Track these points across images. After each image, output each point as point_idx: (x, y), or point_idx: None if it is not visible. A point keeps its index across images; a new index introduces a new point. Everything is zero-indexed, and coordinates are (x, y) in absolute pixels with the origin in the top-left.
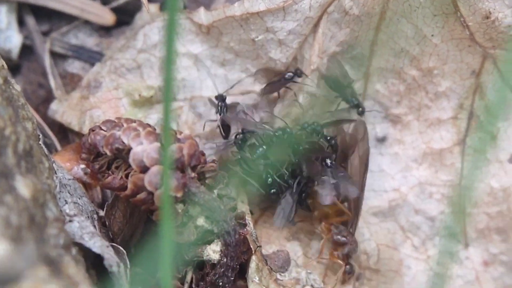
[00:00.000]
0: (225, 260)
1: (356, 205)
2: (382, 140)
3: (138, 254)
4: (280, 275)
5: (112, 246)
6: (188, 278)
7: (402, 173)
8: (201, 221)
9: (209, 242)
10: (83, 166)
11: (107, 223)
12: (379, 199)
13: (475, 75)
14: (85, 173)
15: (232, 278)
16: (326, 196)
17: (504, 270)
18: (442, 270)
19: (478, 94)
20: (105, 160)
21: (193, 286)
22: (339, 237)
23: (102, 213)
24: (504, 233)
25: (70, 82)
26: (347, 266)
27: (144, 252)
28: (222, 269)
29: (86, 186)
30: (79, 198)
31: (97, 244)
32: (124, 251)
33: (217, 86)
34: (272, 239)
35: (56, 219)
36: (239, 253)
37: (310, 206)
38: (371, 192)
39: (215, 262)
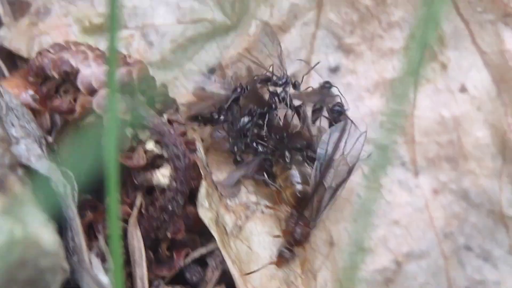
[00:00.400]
0: (174, 184)
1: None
2: (334, 70)
3: (88, 180)
4: (230, 200)
5: (60, 170)
6: (138, 203)
7: (354, 103)
8: (150, 145)
9: (159, 167)
10: (31, 92)
11: (55, 147)
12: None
13: (427, 5)
14: (34, 99)
15: (182, 203)
16: None
17: (453, 198)
18: (392, 198)
19: (430, 24)
20: (53, 84)
21: (143, 211)
22: (294, 227)
23: (51, 139)
24: (453, 161)
25: (19, 8)
26: (286, 250)
27: (93, 178)
28: (172, 194)
29: (35, 113)
30: (27, 123)
31: (44, 165)
32: (72, 175)
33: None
34: (222, 167)
35: (1, 139)
36: (189, 178)
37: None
38: (323, 121)
39: (165, 187)
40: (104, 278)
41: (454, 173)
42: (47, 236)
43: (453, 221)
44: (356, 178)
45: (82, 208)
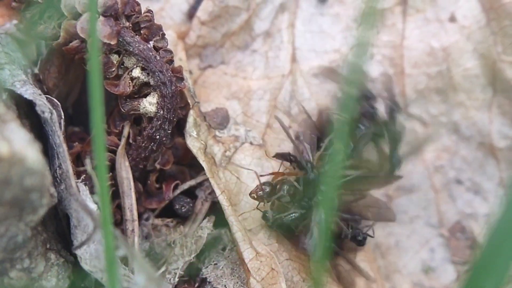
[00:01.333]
0: (161, 112)
1: None
2: (323, 0)
3: (75, 114)
4: (219, 131)
5: (46, 97)
6: (125, 132)
7: (342, 34)
8: (136, 72)
9: (146, 95)
10: (15, 21)
11: (41, 77)
12: (320, 60)
13: None
14: (18, 29)
15: (169, 131)
16: None
17: (443, 131)
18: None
19: None
20: (37, 9)
21: (131, 141)
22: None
23: (36, 70)
24: (443, 93)
25: None
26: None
27: (81, 111)
28: (159, 122)
29: (20, 44)
30: (12, 52)
31: (29, 91)
32: (59, 103)
33: None
34: (211, 98)
35: None
36: (176, 105)
37: None
38: (312, 53)
39: (152, 115)
40: (92, 204)
41: (444, 105)
42: (32, 154)
43: (443, 154)
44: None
45: (69, 140)
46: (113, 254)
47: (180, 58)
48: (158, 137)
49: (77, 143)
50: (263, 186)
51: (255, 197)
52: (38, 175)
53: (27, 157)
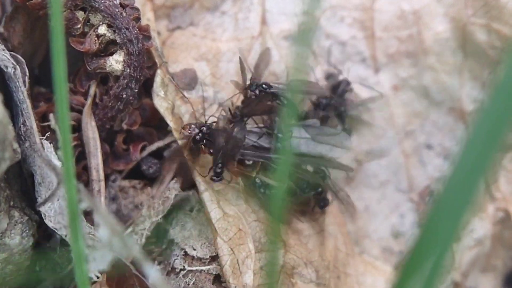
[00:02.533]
0: (128, 70)
1: None
2: None
3: (42, 74)
4: (187, 92)
5: (10, 54)
6: (92, 92)
7: None
8: (102, 29)
9: (112, 53)
10: None
11: (6, 35)
12: (290, 23)
13: None
14: None
15: (136, 91)
16: None
17: (413, 95)
18: (352, 94)
19: None
20: None
21: (97, 100)
22: None
23: (1, 28)
24: (413, 57)
25: None
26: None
27: (48, 72)
28: (126, 81)
29: None
30: None
31: None
32: (23, 60)
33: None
34: (179, 59)
35: None
36: (143, 64)
37: None
38: (282, 16)
39: (119, 73)
40: (56, 161)
41: (414, 69)
42: None
43: (413, 119)
44: (316, 74)
45: (35, 100)
46: (76, 207)
47: (148, 19)
48: (124, 96)
49: (43, 103)
50: (192, 126)
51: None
52: (0, 126)
53: None
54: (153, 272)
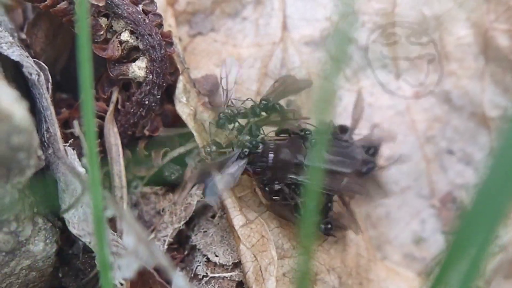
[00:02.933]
0: (150, 77)
1: None
2: None
3: (63, 80)
4: (209, 98)
5: (34, 61)
6: (114, 98)
7: (333, 1)
8: (125, 36)
9: (135, 60)
10: None
11: (28, 41)
12: (311, 29)
13: None
14: None
15: (159, 97)
16: None
17: (434, 101)
18: (373, 100)
19: None
20: None
21: (119, 106)
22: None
23: (24, 35)
24: (435, 62)
25: None
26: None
27: (69, 78)
28: (148, 87)
29: (7, 9)
30: None
31: (16, 52)
32: (46, 67)
33: None
34: (200, 65)
35: None
36: (165, 70)
37: None
38: (303, 21)
39: (141, 80)
40: (80, 168)
41: (435, 75)
42: (20, 111)
43: (435, 124)
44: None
45: (57, 106)
46: (102, 214)
47: (169, 25)
48: (147, 102)
49: (65, 109)
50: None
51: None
52: (26, 133)
53: (14, 114)
54: (178, 279)
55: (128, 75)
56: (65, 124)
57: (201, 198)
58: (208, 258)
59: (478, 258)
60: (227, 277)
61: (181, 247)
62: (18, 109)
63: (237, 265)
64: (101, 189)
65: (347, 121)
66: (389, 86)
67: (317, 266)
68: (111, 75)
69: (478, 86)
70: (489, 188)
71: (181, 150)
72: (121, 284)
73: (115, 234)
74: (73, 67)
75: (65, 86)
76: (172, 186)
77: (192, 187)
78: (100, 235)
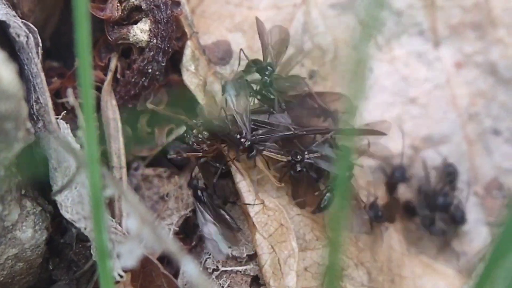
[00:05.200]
0: (154, 41)
1: None
2: None
3: (54, 47)
4: (220, 67)
5: (22, 21)
6: (113, 66)
7: None
8: None
9: (136, 21)
10: None
11: (15, 0)
12: None
13: None
14: None
15: (164, 64)
16: None
17: (478, 73)
18: (408, 72)
19: None
20: None
21: (118, 76)
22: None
23: None
24: (480, 29)
25: None
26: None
27: (61, 44)
28: (152, 53)
29: None
30: None
31: (1, 11)
32: (36, 29)
33: None
34: (211, 30)
35: None
36: (171, 34)
37: None
38: None
39: (143, 44)
40: (74, 143)
41: (480, 43)
42: (7, 74)
43: (478, 100)
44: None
45: (47, 76)
46: (100, 194)
47: None
48: (150, 70)
49: (56, 78)
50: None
51: None
52: (14, 100)
53: (1, 76)
54: (190, 268)
55: (128, 39)
56: (56, 95)
57: None
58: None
59: None
60: (240, 271)
61: (188, 237)
62: (6, 72)
63: (252, 257)
64: (99, 166)
65: (378, 95)
66: (426, 56)
67: (343, 260)
68: (109, 39)
69: None
70: None
71: None
72: (121, 277)
73: (114, 220)
74: (64, 32)
75: (56, 53)
76: (178, 168)
77: None
78: (98, 218)
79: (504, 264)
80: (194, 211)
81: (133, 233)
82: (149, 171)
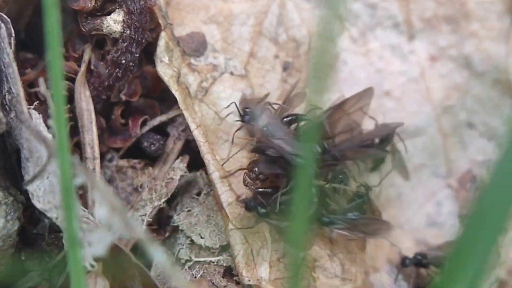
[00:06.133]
0: (128, 32)
1: None
2: None
3: (28, 38)
4: (194, 59)
5: None
6: (86, 57)
7: None
8: None
9: (110, 12)
10: None
11: None
12: None
13: None
14: None
15: (137, 55)
16: None
17: (453, 66)
18: (383, 65)
19: None
20: None
21: (92, 67)
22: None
23: None
24: (454, 22)
25: None
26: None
27: (35, 36)
28: (125, 44)
29: None
30: None
31: None
32: (9, 20)
33: None
34: (185, 22)
35: None
36: (145, 25)
37: None
38: None
39: (117, 36)
40: (46, 133)
41: (454, 37)
42: None
43: (453, 93)
44: (342, 42)
45: (22, 67)
46: (70, 183)
47: None
48: (124, 61)
49: (29, 69)
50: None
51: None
52: None
53: None
54: (159, 256)
55: (102, 30)
56: (30, 86)
57: (185, 172)
58: (192, 240)
59: (494, 244)
60: (213, 262)
61: (162, 228)
62: None
63: (225, 248)
64: (69, 155)
65: (353, 88)
66: (401, 49)
67: (317, 251)
68: (83, 30)
69: (503, 49)
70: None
71: (162, 118)
72: (92, 266)
73: (86, 210)
74: (40, 24)
75: (30, 44)
76: (152, 159)
77: (175, 160)
78: (68, 206)
79: (470, 256)
80: (167, 202)
81: (103, 222)
82: (123, 163)
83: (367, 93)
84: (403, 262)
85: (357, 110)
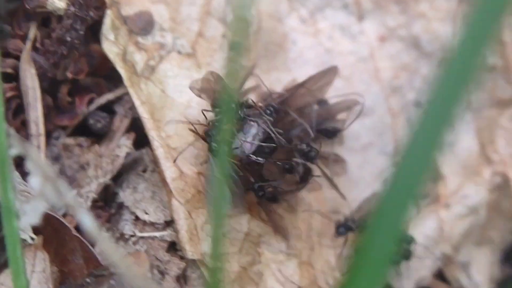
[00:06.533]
0: (72, 9)
1: None
2: None
3: None
4: (142, 37)
5: None
6: (31, 35)
7: None
8: None
9: None
10: None
11: None
12: None
13: None
14: None
15: (82, 33)
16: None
17: (401, 46)
18: (332, 45)
19: None
20: None
21: (38, 45)
22: None
23: None
24: (403, 2)
25: None
26: None
27: None
28: (70, 21)
29: None
30: None
31: None
32: None
33: None
34: (133, 1)
35: None
36: (89, 2)
37: None
38: None
39: (62, 13)
40: None
41: (403, 17)
42: None
43: (401, 73)
44: (290, 22)
45: None
46: (6, 153)
47: None
48: (69, 39)
49: None
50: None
51: None
52: None
53: None
54: (86, 219)
55: (46, 7)
56: None
57: (131, 150)
58: (136, 216)
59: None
60: (157, 237)
61: (107, 205)
62: None
63: (170, 223)
64: (4, 124)
65: (302, 68)
66: (350, 29)
67: (261, 227)
68: (27, 7)
69: (451, 29)
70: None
71: (109, 96)
72: (32, 239)
73: (25, 183)
74: None
75: None
76: (98, 137)
77: (121, 137)
78: (4, 177)
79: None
80: (113, 179)
81: (36, 191)
82: (69, 141)
83: (331, 71)
84: (338, 231)
85: (318, 88)
